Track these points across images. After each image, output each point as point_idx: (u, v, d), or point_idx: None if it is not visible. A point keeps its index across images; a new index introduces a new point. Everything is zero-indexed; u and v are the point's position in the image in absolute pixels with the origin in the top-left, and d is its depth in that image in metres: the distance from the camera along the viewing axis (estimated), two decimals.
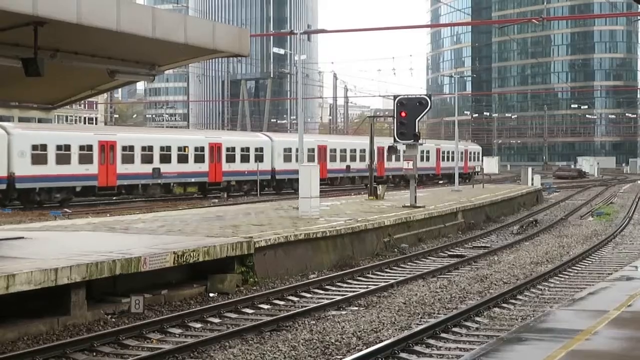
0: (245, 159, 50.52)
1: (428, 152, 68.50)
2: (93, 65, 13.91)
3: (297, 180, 48.79)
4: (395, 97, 28.54)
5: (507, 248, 23.78)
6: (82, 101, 52.44)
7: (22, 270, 11.77)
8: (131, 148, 43.10)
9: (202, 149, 47.86)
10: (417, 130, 27.81)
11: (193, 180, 46.98)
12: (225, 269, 16.15)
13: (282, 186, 53.32)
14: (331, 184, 57.66)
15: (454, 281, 17.32)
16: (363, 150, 58.49)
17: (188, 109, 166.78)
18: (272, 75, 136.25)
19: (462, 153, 72.52)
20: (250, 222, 21.96)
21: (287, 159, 53.34)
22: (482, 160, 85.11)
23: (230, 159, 49.73)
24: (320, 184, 51.70)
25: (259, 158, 51.29)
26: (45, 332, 12.00)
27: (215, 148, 48.85)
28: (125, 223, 21.97)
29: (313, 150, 55.83)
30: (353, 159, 60.11)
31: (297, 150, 50.64)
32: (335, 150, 58.69)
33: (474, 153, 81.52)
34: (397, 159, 58.82)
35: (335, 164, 57.98)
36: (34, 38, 11.61)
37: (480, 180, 51.67)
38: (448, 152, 72.23)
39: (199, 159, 47.42)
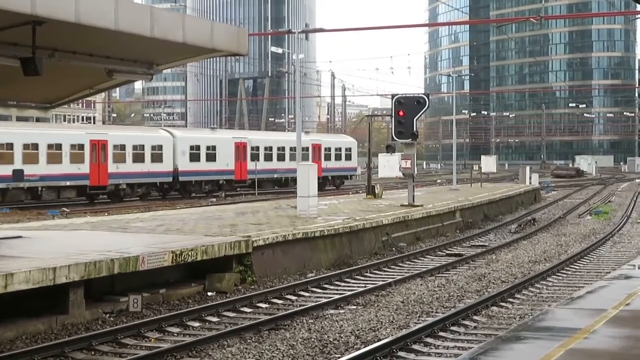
0: None
1: (214, 147, 47.23)
2: (91, 64, 13.92)
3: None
4: (393, 96, 28.51)
5: (505, 247, 23.78)
6: (80, 100, 51.51)
7: (20, 269, 11.77)
8: None
9: None
10: (415, 130, 27.81)
11: None
12: (224, 268, 16.15)
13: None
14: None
15: (452, 280, 17.32)
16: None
17: (186, 108, 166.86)
18: (270, 74, 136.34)
19: (306, 148, 51.48)
20: (248, 221, 21.95)
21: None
22: (354, 160, 60.86)
23: None
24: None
25: None
26: (43, 331, 12.00)
27: None
28: (123, 222, 21.96)
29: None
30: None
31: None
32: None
33: (342, 149, 58.30)
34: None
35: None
36: (32, 37, 11.62)
37: (479, 178, 51.63)
38: (271, 148, 52.33)
39: None
